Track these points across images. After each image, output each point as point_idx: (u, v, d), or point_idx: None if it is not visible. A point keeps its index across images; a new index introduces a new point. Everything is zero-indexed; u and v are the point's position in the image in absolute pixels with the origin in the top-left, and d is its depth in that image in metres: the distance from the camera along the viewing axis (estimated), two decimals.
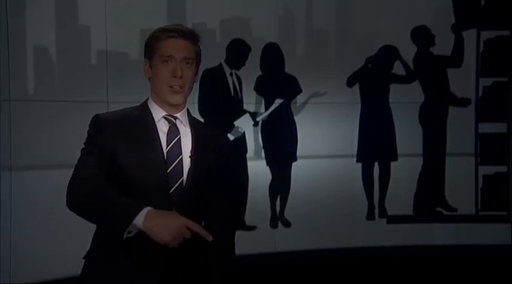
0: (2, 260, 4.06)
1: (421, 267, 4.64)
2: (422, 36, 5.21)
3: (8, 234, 4.08)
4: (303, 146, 5.08)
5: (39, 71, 4.36)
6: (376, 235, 5.12)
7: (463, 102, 5.25)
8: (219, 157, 1.99)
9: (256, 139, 5.06)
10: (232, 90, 4.90)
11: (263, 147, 5.06)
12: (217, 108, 4.82)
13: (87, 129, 1.91)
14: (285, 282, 4.49)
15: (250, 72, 4.96)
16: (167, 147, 1.90)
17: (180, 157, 1.91)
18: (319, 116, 5.12)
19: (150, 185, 1.84)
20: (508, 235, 5.17)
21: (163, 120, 1.94)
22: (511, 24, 5.24)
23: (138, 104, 1.99)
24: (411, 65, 5.22)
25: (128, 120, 1.91)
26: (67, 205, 1.81)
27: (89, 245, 1.95)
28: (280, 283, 4.49)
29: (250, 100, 5.02)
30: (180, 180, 1.89)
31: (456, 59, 5.23)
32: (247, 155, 4.98)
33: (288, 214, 5.08)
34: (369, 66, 5.19)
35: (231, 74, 4.90)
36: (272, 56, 5.03)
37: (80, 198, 1.80)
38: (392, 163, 5.25)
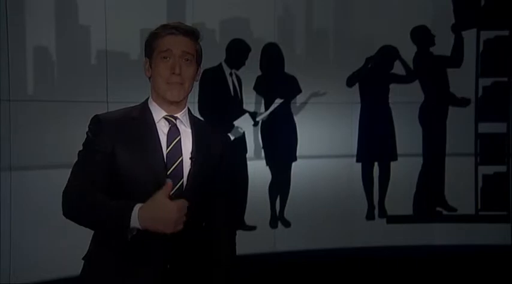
0: (2, 260, 4.06)
1: (420, 267, 4.64)
2: (422, 36, 5.21)
3: (7, 234, 4.08)
4: (302, 146, 5.08)
5: (39, 71, 4.36)
6: (375, 235, 5.12)
7: (463, 102, 5.25)
8: (222, 157, 1.98)
9: (256, 139, 5.06)
10: (232, 90, 4.90)
11: (263, 147, 5.07)
12: (217, 108, 4.82)
13: (87, 130, 1.89)
14: (284, 282, 4.49)
15: (250, 72, 4.96)
16: (167, 148, 1.88)
17: (180, 159, 1.88)
18: (318, 116, 5.12)
19: (149, 187, 1.79)
20: (508, 235, 5.17)
21: (164, 120, 1.91)
22: (510, 24, 5.24)
23: (138, 104, 1.97)
24: (411, 65, 5.23)
25: (128, 121, 1.88)
26: (63, 214, 1.80)
27: (88, 246, 1.95)
28: (280, 283, 4.49)
29: (250, 100, 5.02)
30: (180, 182, 1.87)
31: (456, 58, 5.23)
32: (247, 155, 4.98)
33: (287, 214, 5.08)
34: (369, 66, 5.19)
35: (230, 74, 4.90)
36: (272, 56, 5.04)
37: (74, 211, 1.79)
38: (392, 163, 5.25)
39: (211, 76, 4.78)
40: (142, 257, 1.83)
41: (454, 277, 4.51)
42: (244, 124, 4.91)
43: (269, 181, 5.06)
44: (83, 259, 1.93)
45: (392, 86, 5.22)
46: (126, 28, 4.43)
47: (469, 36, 5.22)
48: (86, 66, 4.48)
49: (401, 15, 5.13)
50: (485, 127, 5.27)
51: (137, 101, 1.99)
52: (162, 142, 1.88)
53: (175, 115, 1.92)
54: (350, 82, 5.18)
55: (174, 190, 1.83)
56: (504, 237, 5.15)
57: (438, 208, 5.28)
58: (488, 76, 5.27)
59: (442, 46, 5.20)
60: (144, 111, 1.92)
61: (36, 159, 4.21)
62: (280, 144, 5.07)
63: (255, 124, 4.98)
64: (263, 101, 5.07)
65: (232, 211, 2.08)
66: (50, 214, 3.98)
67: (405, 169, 5.22)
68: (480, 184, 5.29)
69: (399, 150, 5.22)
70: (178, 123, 1.92)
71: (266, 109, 5.02)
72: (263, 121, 5.00)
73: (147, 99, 1.96)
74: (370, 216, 5.22)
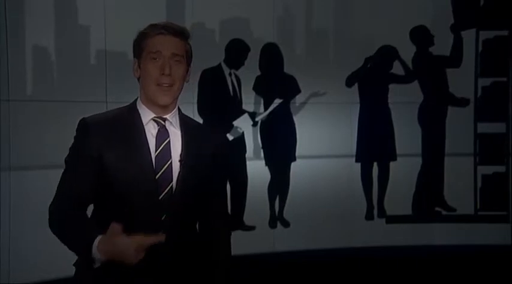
0: (1, 260, 4.05)
1: (420, 267, 4.64)
2: (421, 36, 5.21)
3: (7, 234, 4.07)
4: (302, 146, 5.07)
5: (38, 71, 4.35)
6: (375, 235, 5.12)
7: (462, 102, 5.25)
8: (214, 157, 1.93)
9: (255, 139, 5.06)
10: (231, 90, 4.90)
11: (262, 147, 5.06)
12: (217, 108, 4.82)
13: (74, 134, 1.86)
14: (284, 282, 4.49)
15: (249, 72, 4.96)
16: (156, 151, 1.83)
17: (169, 162, 1.83)
18: (318, 116, 5.12)
19: (138, 192, 1.78)
20: (508, 235, 5.17)
21: (152, 122, 1.86)
22: (509, 24, 5.24)
23: (126, 105, 1.92)
24: (410, 65, 5.23)
25: (116, 123, 1.84)
26: (49, 226, 1.82)
27: None
28: (279, 283, 4.49)
29: (249, 100, 5.02)
30: (170, 186, 1.82)
31: (455, 58, 5.23)
32: (246, 155, 4.98)
33: (287, 214, 5.08)
34: (368, 66, 5.19)
35: (230, 74, 4.90)
36: (271, 56, 5.03)
37: (56, 231, 1.81)
38: (391, 163, 5.25)
39: (211, 76, 4.79)
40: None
41: (453, 277, 4.51)
42: (243, 124, 4.91)
43: (268, 181, 5.06)
44: (74, 265, 1.89)
45: (391, 86, 5.22)
46: (125, 28, 4.39)
47: (468, 36, 5.22)
48: (85, 66, 4.47)
49: (401, 15, 5.13)
50: (484, 127, 5.27)
51: None
52: (150, 145, 1.83)
53: (164, 116, 1.87)
54: (349, 83, 5.17)
55: (163, 194, 1.81)
56: (504, 237, 5.15)
57: (437, 208, 5.28)
58: (487, 76, 5.27)
59: (441, 46, 5.20)
60: (132, 112, 1.88)
61: (36, 159, 4.20)
62: (280, 144, 5.07)
63: (254, 124, 4.97)
64: (262, 101, 5.07)
65: (227, 210, 2.05)
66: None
67: (404, 169, 5.21)
68: (479, 184, 5.29)
69: (398, 150, 5.22)
70: (167, 124, 1.88)
71: (265, 109, 5.02)
72: (262, 122, 5.00)
73: (136, 101, 1.91)
74: (369, 216, 5.22)
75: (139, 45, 1.87)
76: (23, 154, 4.15)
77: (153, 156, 1.82)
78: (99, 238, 1.67)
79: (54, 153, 4.14)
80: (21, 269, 4.08)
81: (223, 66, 4.89)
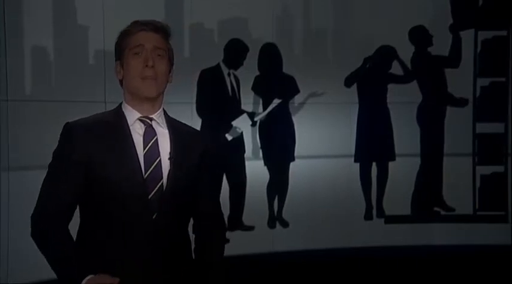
0: (0, 260, 4.05)
1: (419, 267, 4.64)
2: (420, 36, 5.21)
3: (6, 234, 4.07)
4: (300, 146, 5.07)
5: (37, 71, 4.35)
6: (374, 235, 5.12)
7: (461, 102, 5.25)
8: (203, 157, 1.91)
9: (254, 140, 5.06)
10: (230, 90, 4.90)
11: (261, 147, 5.06)
12: (215, 108, 4.82)
13: (59, 138, 1.84)
14: (283, 282, 4.49)
15: (248, 72, 4.96)
16: (144, 149, 1.81)
17: (158, 160, 1.81)
18: (317, 116, 5.11)
19: (128, 192, 1.76)
20: (508, 235, 5.17)
21: (139, 122, 1.84)
22: (508, 24, 5.25)
23: (111, 109, 1.91)
24: (409, 65, 5.23)
25: (101, 126, 1.82)
26: (31, 236, 1.83)
27: None
28: (278, 283, 4.49)
29: (248, 100, 5.01)
30: (160, 184, 1.79)
31: (454, 59, 5.23)
32: (245, 155, 4.98)
33: (285, 214, 5.08)
34: (367, 66, 5.19)
35: (228, 74, 4.90)
36: (270, 56, 5.03)
37: (39, 246, 1.83)
38: (390, 163, 5.25)
39: (209, 76, 4.79)
40: (128, 261, 1.77)
41: (453, 277, 4.51)
42: (242, 125, 4.91)
43: (267, 181, 5.06)
44: None
45: (390, 86, 5.22)
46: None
47: (467, 36, 5.23)
48: (84, 66, 4.47)
49: (399, 15, 5.13)
50: (483, 128, 5.27)
51: None
52: (137, 145, 1.81)
53: (150, 116, 1.85)
54: (348, 83, 5.17)
55: (154, 192, 1.79)
56: (504, 237, 5.16)
57: (436, 208, 5.29)
58: (486, 76, 5.27)
59: (440, 46, 5.20)
60: (117, 115, 1.86)
61: (35, 159, 4.19)
62: (279, 144, 5.07)
63: (253, 124, 4.97)
64: (261, 101, 5.07)
65: (218, 212, 2.02)
66: None
67: (403, 169, 5.21)
68: (478, 184, 5.29)
69: (397, 150, 5.22)
70: (154, 124, 1.86)
71: (264, 109, 5.02)
72: (261, 122, 5.00)
73: (120, 104, 1.90)
74: (368, 216, 5.22)
75: (121, 45, 1.90)
76: (22, 155, 4.14)
77: (141, 154, 1.81)
78: (88, 278, 1.67)
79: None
80: (20, 269, 4.07)
81: (222, 66, 4.89)
